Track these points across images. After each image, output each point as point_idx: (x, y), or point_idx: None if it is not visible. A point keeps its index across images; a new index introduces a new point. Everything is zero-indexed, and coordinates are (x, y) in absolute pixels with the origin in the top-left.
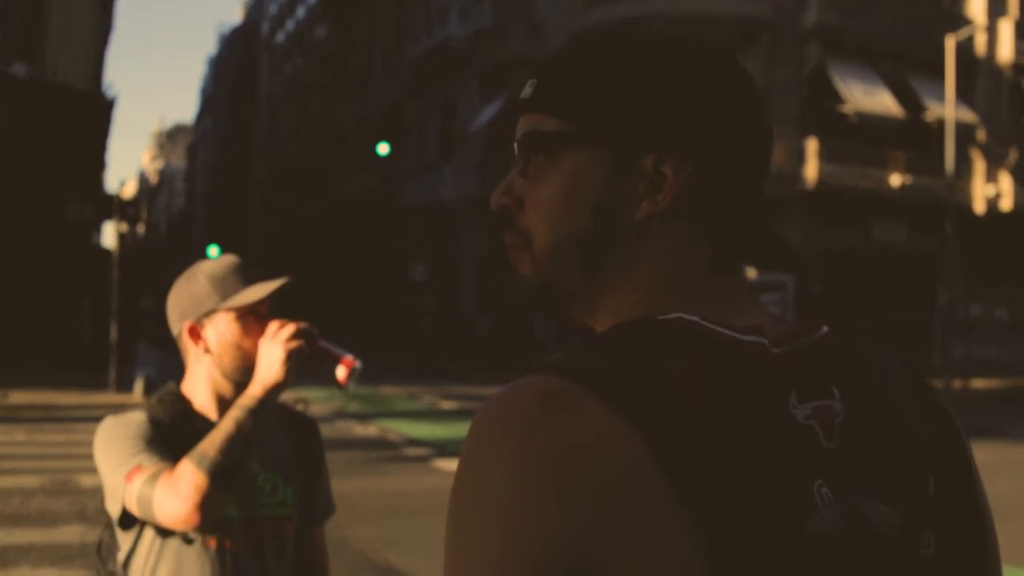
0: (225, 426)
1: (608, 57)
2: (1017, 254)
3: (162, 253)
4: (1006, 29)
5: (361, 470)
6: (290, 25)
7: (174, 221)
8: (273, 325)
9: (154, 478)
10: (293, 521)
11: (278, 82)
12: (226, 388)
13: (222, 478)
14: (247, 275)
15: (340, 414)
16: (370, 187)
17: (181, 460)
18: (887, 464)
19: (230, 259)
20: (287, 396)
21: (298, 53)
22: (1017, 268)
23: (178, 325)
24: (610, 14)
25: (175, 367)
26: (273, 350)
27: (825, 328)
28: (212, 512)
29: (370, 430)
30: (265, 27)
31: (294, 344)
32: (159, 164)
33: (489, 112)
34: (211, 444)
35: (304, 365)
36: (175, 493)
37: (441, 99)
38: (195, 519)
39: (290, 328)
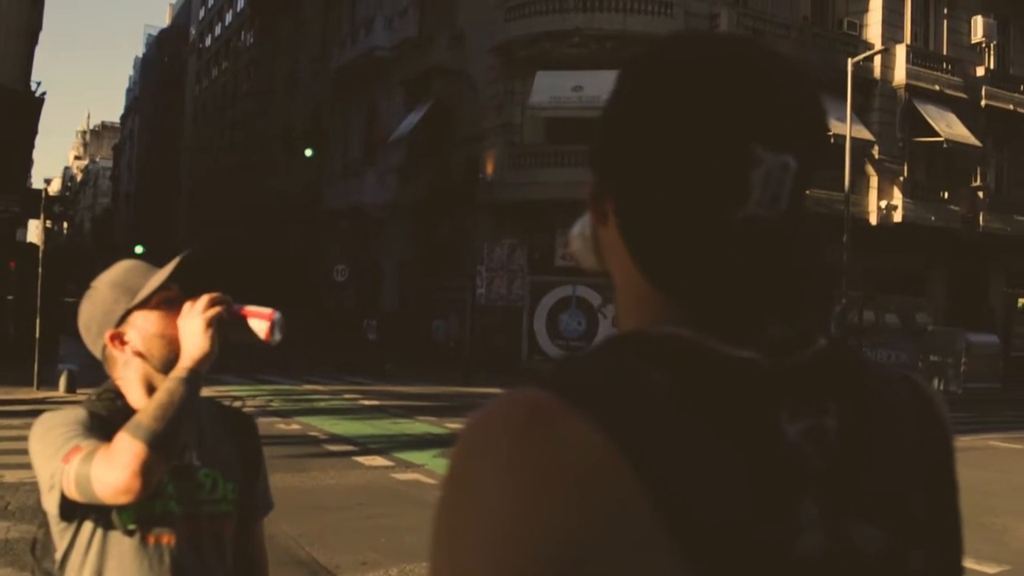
0: (158, 397)
1: (612, 99)
2: (907, 263)
3: (86, 251)
4: (900, 53)
5: (284, 466)
6: (218, 30)
7: (98, 219)
8: (186, 305)
9: (91, 456)
10: (233, 518)
11: (205, 85)
12: (161, 382)
13: (159, 445)
14: (147, 268)
15: (263, 411)
16: (295, 190)
17: (116, 435)
18: (879, 483)
19: (125, 262)
20: (224, 394)
21: (225, 57)
22: (907, 276)
23: (98, 342)
24: (530, 28)
25: (99, 363)
26: (192, 323)
27: (823, 341)
28: (152, 478)
29: (293, 427)
30: (193, 31)
31: (211, 312)
32: (84, 162)
33: (412, 119)
34: (145, 414)
35: (227, 330)
36: (113, 463)
37: (365, 105)
38: (136, 485)
39: (203, 299)
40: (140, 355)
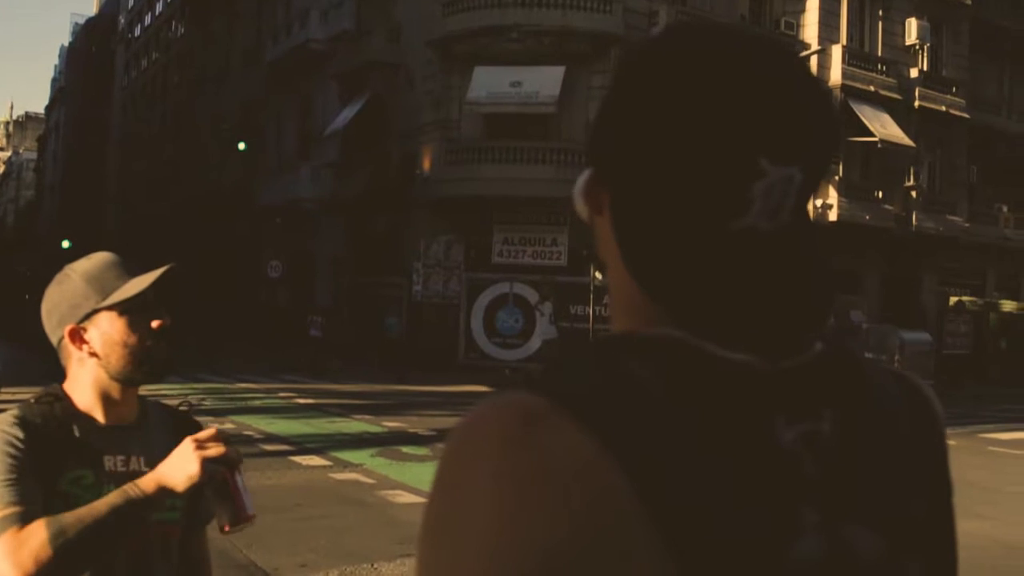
0: (100, 508)
1: (617, 86)
2: (842, 262)
3: (8, 243)
4: (836, 53)
5: None
6: (148, 19)
7: (21, 212)
8: (208, 431)
9: (1, 524)
10: (180, 525)
11: (134, 76)
12: (113, 388)
13: (70, 561)
14: (125, 269)
15: (194, 410)
16: (227, 184)
17: (37, 521)
18: (876, 489)
19: (104, 256)
20: (156, 393)
21: (155, 48)
22: (842, 275)
23: (57, 332)
24: (469, 22)
25: (23, 359)
26: (190, 456)
27: (820, 345)
28: None
29: (227, 426)
30: (122, 20)
31: (213, 464)
32: (7, 154)
33: (347, 113)
34: (77, 520)
35: (207, 482)
36: (12, 556)
37: (300, 99)
38: None
39: (220, 447)
40: (96, 356)
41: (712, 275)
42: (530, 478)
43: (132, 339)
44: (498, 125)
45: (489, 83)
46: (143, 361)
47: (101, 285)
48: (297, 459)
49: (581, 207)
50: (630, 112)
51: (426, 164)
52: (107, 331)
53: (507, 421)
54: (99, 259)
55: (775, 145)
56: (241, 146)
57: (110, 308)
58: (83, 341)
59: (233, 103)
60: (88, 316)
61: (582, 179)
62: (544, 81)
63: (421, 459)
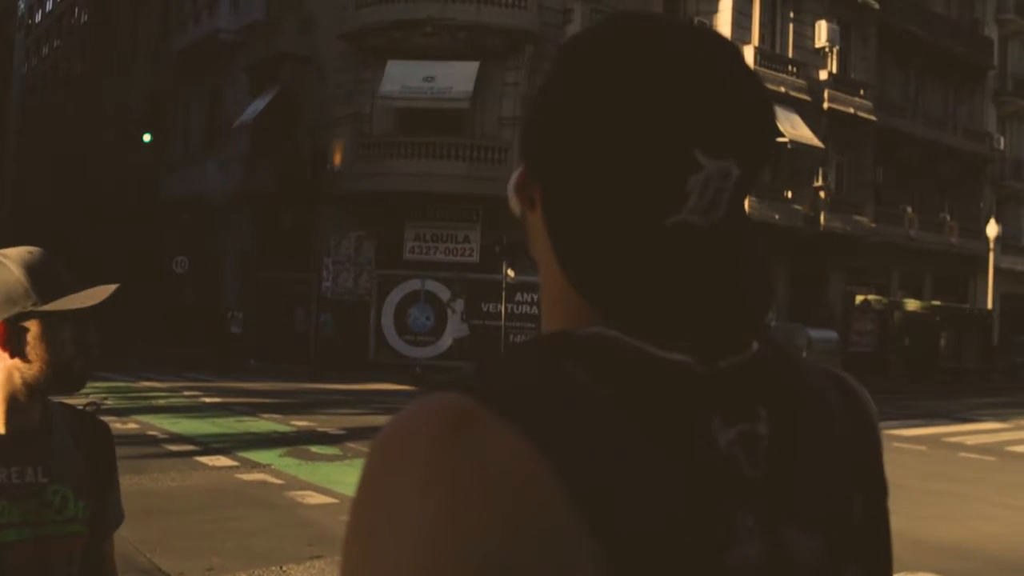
0: None
1: (550, 79)
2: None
3: None
4: (748, 54)
5: (122, 468)
6: (49, 5)
7: None
8: None
9: None
10: (84, 537)
11: (35, 64)
12: (23, 394)
13: None
14: (59, 270)
15: (99, 410)
16: (132, 176)
17: None
18: (814, 490)
19: (39, 251)
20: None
21: (57, 35)
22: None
23: None
24: (382, 15)
25: None
26: None
27: (756, 344)
28: None
29: (129, 426)
30: (22, 5)
31: None
32: None
33: (257, 106)
34: None
35: None
36: None
37: (208, 90)
38: None
39: None
40: (18, 359)
41: (646, 271)
42: (462, 483)
43: (60, 350)
44: (411, 120)
45: (402, 77)
46: (64, 374)
47: (40, 286)
48: (203, 460)
49: (514, 203)
50: (561, 105)
51: (337, 158)
52: (37, 337)
53: (437, 423)
54: (37, 255)
55: (711, 138)
56: (147, 138)
57: (47, 314)
58: (5, 339)
59: (139, 93)
60: (23, 316)
61: (515, 175)
62: (458, 76)
63: (331, 459)
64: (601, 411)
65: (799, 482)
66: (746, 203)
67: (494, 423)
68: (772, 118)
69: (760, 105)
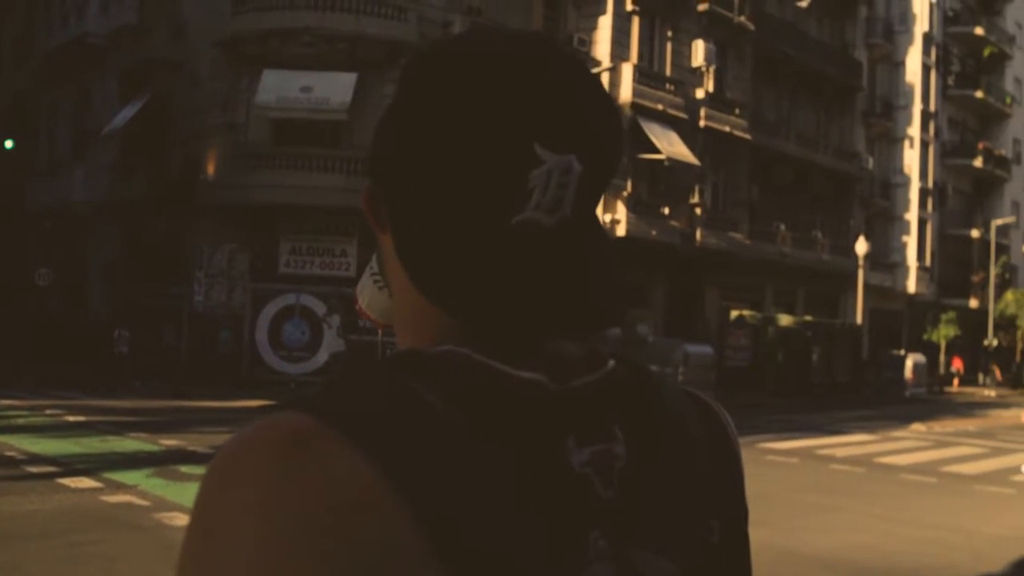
0: None
1: (394, 97)
2: (629, 276)
3: None
4: (627, 72)
5: None
6: None
7: None
8: None
9: None
10: None
11: None
12: None
13: None
14: None
15: None
16: None
17: None
18: (670, 512)
19: None
20: None
21: None
22: (630, 288)
23: None
24: (259, 23)
25: None
26: None
27: (612, 362)
28: None
29: None
30: None
31: None
32: None
33: (127, 112)
34: None
35: None
36: None
37: (76, 95)
38: None
39: None
40: None
41: (492, 272)
42: (299, 508)
43: None
44: (287, 130)
45: (278, 87)
46: None
47: None
48: (65, 481)
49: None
50: (400, 114)
51: (210, 168)
52: None
53: (274, 445)
54: None
55: (550, 132)
56: (9, 144)
57: None
58: None
59: (1, 96)
60: None
61: (362, 192)
62: (336, 87)
63: (200, 479)
64: (448, 432)
65: (655, 505)
66: (599, 207)
67: (335, 444)
68: (614, 117)
69: (600, 103)
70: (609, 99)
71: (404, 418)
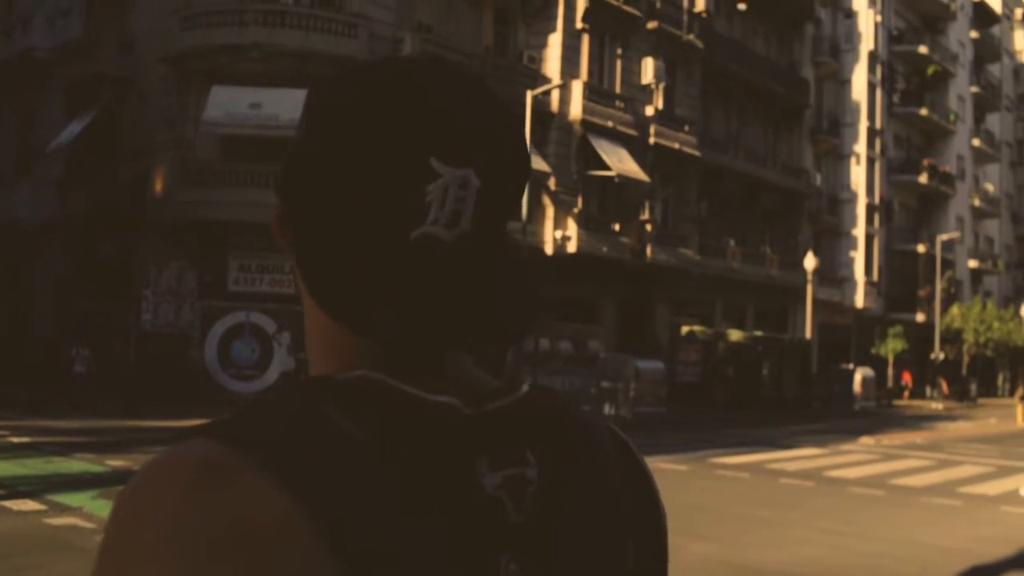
0: None
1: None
2: (580, 292)
3: None
4: (577, 89)
5: None
6: None
7: None
8: None
9: None
10: None
11: None
12: None
13: None
14: None
15: None
16: None
17: None
18: (582, 537)
19: None
20: None
21: None
22: (581, 305)
23: None
24: (207, 39)
25: None
26: None
27: (526, 387)
28: None
29: None
30: None
31: None
32: None
33: (73, 128)
34: None
35: None
36: None
37: (20, 110)
38: None
39: None
40: None
41: (393, 291)
42: (209, 536)
43: None
44: (236, 147)
45: (227, 103)
46: None
47: None
48: (7, 504)
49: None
50: (306, 135)
51: (158, 185)
52: None
53: (184, 473)
54: None
55: (445, 146)
56: None
57: None
58: None
59: None
60: None
61: (272, 216)
62: (285, 104)
63: (111, 507)
64: (360, 457)
65: (568, 529)
66: (510, 218)
67: (244, 471)
68: (514, 132)
69: (499, 119)
70: (510, 115)
71: (315, 443)
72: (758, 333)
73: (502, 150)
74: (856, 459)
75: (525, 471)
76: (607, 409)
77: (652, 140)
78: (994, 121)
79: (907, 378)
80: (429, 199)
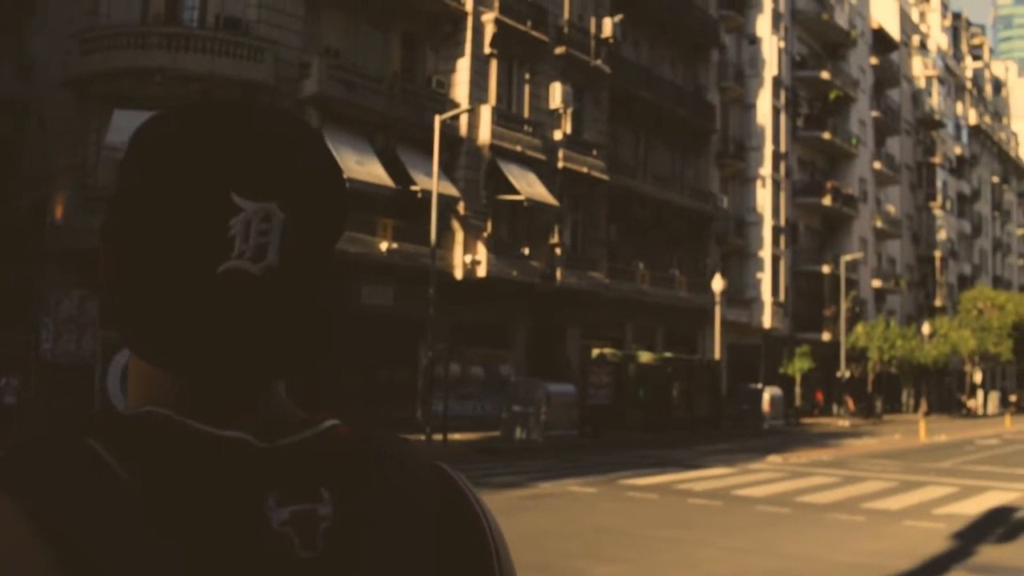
0: None
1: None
2: (491, 317)
3: None
4: (486, 114)
5: None
6: None
7: None
8: None
9: None
10: None
11: None
12: None
13: None
14: None
15: None
16: None
17: None
18: (381, 573)
19: None
20: None
21: None
22: (491, 329)
23: None
24: (110, 63)
25: None
26: None
27: (331, 422)
28: None
29: None
30: None
31: None
32: None
33: None
34: None
35: None
36: None
37: None
38: None
39: None
40: None
41: (196, 326)
42: None
43: None
44: None
45: (130, 128)
46: None
47: None
48: None
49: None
50: (120, 180)
51: (58, 212)
52: None
53: None
54: None
55: (246, 182)
56: None
57: None
58: None
59: None
60: None
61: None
62: None
63: None
64: (119, 491)
65: (365, 565)
66: (321, 250)
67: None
68: (325, 167)
69: (308, 155)
70: (322, 151)
71: (73, 480)
72: (668, 355)
73: (310, 184)
74: (764, 477)
75: (317, 508)
76: (518, 433)
77: (561, 164)
78: (894, 144)
79: (819, 397)
80: (232, 233)
